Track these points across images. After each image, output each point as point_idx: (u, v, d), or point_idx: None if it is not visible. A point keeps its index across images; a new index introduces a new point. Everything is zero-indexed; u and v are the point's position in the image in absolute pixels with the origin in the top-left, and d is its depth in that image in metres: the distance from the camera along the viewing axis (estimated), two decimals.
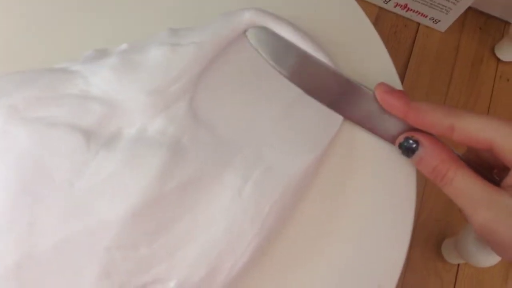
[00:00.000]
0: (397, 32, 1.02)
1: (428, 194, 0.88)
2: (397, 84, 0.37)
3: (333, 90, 0.32)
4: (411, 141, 0.30)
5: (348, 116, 0.32)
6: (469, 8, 1.01)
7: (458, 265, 0.84)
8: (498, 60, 1.03)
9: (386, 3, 1.00)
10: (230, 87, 0.32)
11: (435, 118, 0.29)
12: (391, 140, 0.32)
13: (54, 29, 0.36)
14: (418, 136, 0.30)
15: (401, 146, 0.31)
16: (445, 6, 0.95)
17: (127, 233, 0.26)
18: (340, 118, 0.34)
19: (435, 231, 0.86)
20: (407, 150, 0.30)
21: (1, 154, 0.25)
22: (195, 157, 0.29)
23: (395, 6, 1.00)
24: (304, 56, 0.33)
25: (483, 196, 0.27)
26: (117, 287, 0.26)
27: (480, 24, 1.06)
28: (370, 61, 0.37)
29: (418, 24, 1.03)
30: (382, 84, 0.31)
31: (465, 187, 0.28)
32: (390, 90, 0.31)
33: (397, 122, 0.31)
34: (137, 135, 0.28)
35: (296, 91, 0.34)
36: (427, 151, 0.30)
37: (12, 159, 0.25)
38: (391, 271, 0.33)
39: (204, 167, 0.29)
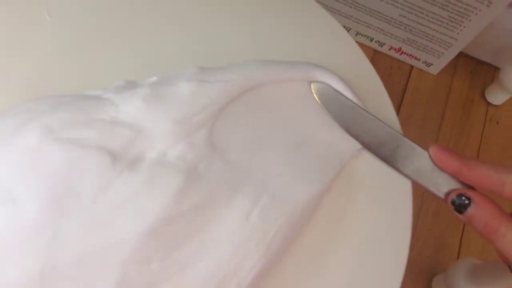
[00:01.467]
0: (391, 74, 1.07)
1: (419, 231, 0.91)
2: (394, 118, 0.40)
3: (388, 146, 0.33)
4: (463, 198, 0.30)
5: (401, 171, 0.33)
6: (461, 53, 1.06)
7: None
8: (488, 103, 1.07)
9: (381, 46, 1.05)
10: (247, 119, 0.35)
11: (486, 174, 0.30)
12: (442, 195, 0.32)
13: (87, 59, 0.39)
14: (470, 193, 0.30)
15: (453, 203, 0.31)
16: (437, 51, 1.00)
17: (142, 249, 0.28)
18: (345, 157, 0.38)
19: (425, 268, 0.87)
20: (460, 207, 0.31)
21: (34, 169, 0.28)
22: (209, 182, 0.31)
23: (389, 49, 1.05)
24: (361, 113, 0.35)
25: None
26: None
27: (471, 69, 1.11)
28: (370, 97, 0.40)
29: (412, 66, 1.08)
30: (435, 144, 0.33)
31: None
32: (445, 148, 0.32)
33: (448, 179, 0.32)
34: (158, 159, 0.30)
35: (307, 130, 0.37)
36: (479, 207, 0.30)
37: (43, 175, 0.28)
38: None
39: (215, 192, 0.31)
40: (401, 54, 1.05)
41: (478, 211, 0.30)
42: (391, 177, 0.38)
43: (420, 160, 0.33)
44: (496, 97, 1.05)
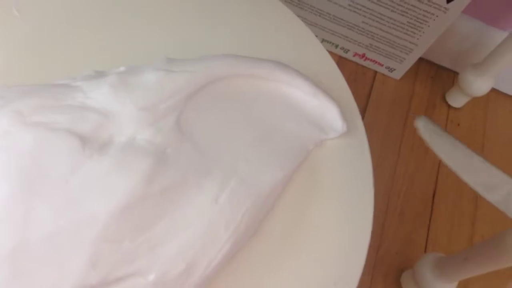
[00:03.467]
0: (356, 79, 1.10)
1: (387, 228, 0.93)
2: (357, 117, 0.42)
3: (500, 191, 0.32)
4: None
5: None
6: (422, 58, 1.11)
7: None
8: (449, 106, 1.11)
9: (346, 53, 1.08)
10: (215, 109, 0.37)
11: None
12: None
13: (56, 53, 0.40)
14: None
15: None
16: (399, 56, 1.04)
17: (112, 228, 0.29)
18: (309, 145, 0.39)
19: (394, 264, 0.90)
20: None
21: (5, 152, 0.28)
22: (177, 165, 0.32)
23: (353, 56, 1.08)
24: (469, 154, 0.35)
25: None
26: (102, 277, 0.29)
27: (432, 74, 1.16)
28: (336, 96, 0.42)
29: (375, 72, 1.11)
30: None
31: None
32: None
33: None
34: (126, 143, 0.31)
35: (273, 120, 0.39)
36: None
37: (13, 157, 0.28)
38: None
39: (185, 175, 0.32)
40: (365, 60, 1.08)
41: None
42: (354, 171, 0.41)
43: None
44: (457, 100, 1.10)
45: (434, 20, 0.91)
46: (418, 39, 0.97)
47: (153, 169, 0.31)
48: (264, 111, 0.39)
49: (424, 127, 0.35)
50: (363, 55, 1.07)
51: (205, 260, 0.32)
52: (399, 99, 1.11)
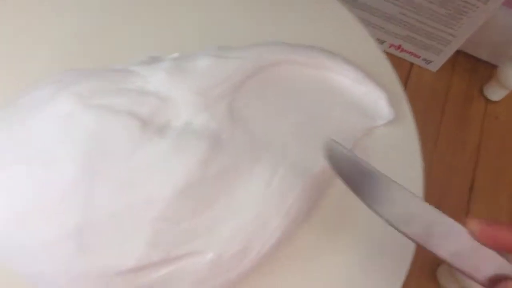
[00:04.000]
0: None
1: None
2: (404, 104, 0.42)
3: (420, 223, 0.27)
4: None
5: (435, 252, 0.27)
6: (459, 51, 1.08)
7: None
8: (487, 99, 1.09)
9: (381, 44, 1.07)
10: (264, 95, 0.37)
11: None
12: (484, 282, 0.26)
13: (108, 39, 0.41)
14: None
15: None
16: (437, 48, 1.02)
17: (171, 209, 0.30)
18: (358, 133, 0.40)
19: (429, 258, 0.89)
20: None
21: (69, 133, 0.30)
22: (231, 150, 0.33)
23: (389, 47, 1.07)
24: (384, 181, 0.28)
25: None
26: (162, 255, 0.30)
27: (469, 66, 1.13)
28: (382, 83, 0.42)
29: (411, 64, 1.10)
30: (475, 219, 0.27)
31: None
32: (492, 222, 0.26)
33: (491, 257, 0.26)
34: (183, 127, 0.32)
35: (321, 107, 0.39)
36: None
37: (77, 138, 0.30)
38: None
39: (238, 159, 0.33)
40: (401, 51, 1.07)
41: None
42: (403, 158, 0.40)
43: (459, 239, 0.27)
44: (495, 93, 1.07)
45: (474, 11, 0.90)
46: (456, 30, 0.95)
47: (209, 153, 0.31)
48: (312, 98, 0.39)
49: (328, 147, 0.30)
50: (399, 47, 1.06)
51: (259, 243, 0.32)
52: (436, 92, 1.09)
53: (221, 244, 0.31)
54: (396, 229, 0.27)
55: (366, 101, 0.41)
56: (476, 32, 0.95)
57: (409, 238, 0.27)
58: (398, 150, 0.41)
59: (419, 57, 1.07)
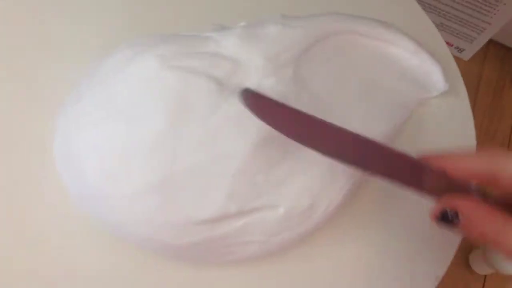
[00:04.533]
0: None
1: None
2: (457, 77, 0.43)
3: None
4: (448, 215, 0.26)
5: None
6: (491, 40, 1.08)
7: (485, 276, 0.88)
8: None
9: None
10: (326, 63, 0.39)
11: (473, 168, 0.26)
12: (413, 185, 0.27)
13: (177, 6, 0.43)
14: (455, 205, 0.26)
15: (438, 222, 0.27)
16: (470, 36, 1.02)
17: (248, 163, 0.32)
18: (412, 103, 0.41)
19: (462, 242, 0.89)
20: (446, 223, 0.26)
21: (154, 91, 0.31)
22: (300, 108, 0.34)
23: None
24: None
25: None
26: (239, 207, 0.31)
27: (501, 56, 1.13)
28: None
29: None
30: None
31: None
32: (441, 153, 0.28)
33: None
34: (256, 88, 0.33)
35: (378, 77, 0.40)
36: (468, 220, 0.25)
37: (163, 95, 0.31)
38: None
39: None
40: None
41: (469, 225, 0.25)
42: (458, 129, 0.41)
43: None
44: None
45: None
46: (492, 17, 0.95)
47: None
48: (370, 67, 0.41)
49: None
50: None
51: (326, 200, 0.34)
52: (467, 80, 1.08)
53: (291, 198, 0.33)
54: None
55: (421, 73, 0.42)
56: (509, 22, 0.95)
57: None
58: (452, 120, 0.42)
59: (452, 45, 1.07)
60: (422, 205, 0.29)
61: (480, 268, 0.85)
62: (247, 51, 0.34)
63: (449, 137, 0.41)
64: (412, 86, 0.41)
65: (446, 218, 0.26)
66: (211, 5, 0.44)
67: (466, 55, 1.08)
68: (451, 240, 0.38)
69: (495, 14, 0.94)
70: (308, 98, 0.36)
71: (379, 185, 0.38)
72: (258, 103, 0.29)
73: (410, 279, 0.36)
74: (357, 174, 0.35)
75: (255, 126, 0.32)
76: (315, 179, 0.33)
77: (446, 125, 0.41)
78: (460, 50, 1.07)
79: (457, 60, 1.11)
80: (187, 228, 0.31)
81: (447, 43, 1.06)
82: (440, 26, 1.03)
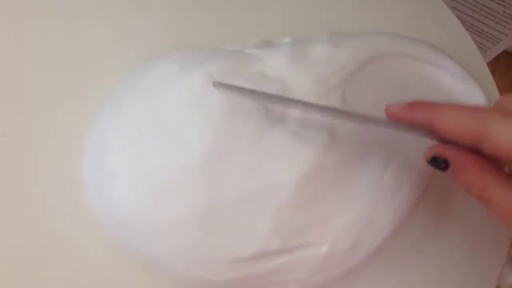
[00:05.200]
0: None
1: None
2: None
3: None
4: (439, 161, 0.27)
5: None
6: (504, 50, 1.07)
7: None
8: None
9: None
10: (374, 86, 0.36)
11: (458, 122, 0.25)
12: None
13: (217, 18, 0.41)
14: (446, 152, 0.26)
15: (430, 164, 0.27)
16: (485, 45, 1.01)
17: (295, 196, 0.29)
18: None
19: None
20: (438, 168, 0.27)
21: (200, 112, 0.29)
22: (346, 141, 0.32)
23: None
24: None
25: None
26: (281, 243, 0.29)
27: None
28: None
29: None
30: (392, 106, 0.29)
31: (506, 204, 0.24)
32: (402, 107, 0.28)
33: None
34: (302, 116, 0.31)
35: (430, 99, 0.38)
36: (458, 170, 0.26)
37: (209, 118, 0.29)
38: None
39: (353, 150, 0.32)
40: None
41: (458, 174, 0.26)
42: None
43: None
44: None
45: None
46: (510, 29, 0.94)
47: (328, 144, 0.31)
48: (416, 91, 0.38)
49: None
50: None
51: (370, 237, 0.32)
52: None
53: (335, 236, 0.31)
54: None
55: (465, 98, 0.40)
56: None
57: None
58: None
59: None
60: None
61: None
62: (295, 73, 0.32)
63: None
64: None
65: (436, 163, 0.27)
66: (249, 14, 0.41)
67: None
68: None
69: None
70: (355, 127, 0.33)
71: (421, 222, 0.36)
72: None
73: None
74: (401, 212, 0.33)
75: (304, 156, 0.30)
76: (360, 216, 0.31)
77: None
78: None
79: None
80: (227, 265, 0.29)
81: None
82: None
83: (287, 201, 0.29)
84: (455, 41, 0.45)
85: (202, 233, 0.28)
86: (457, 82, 0.40)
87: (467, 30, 0.98)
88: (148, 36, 0.38)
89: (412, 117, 0.27)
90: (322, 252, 0.30)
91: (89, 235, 0.32)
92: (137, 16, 0.39)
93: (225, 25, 0.40)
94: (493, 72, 1.11)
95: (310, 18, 0.41)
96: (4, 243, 0.31)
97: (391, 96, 0.37)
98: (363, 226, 0.31)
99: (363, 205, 0.32)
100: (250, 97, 0.29)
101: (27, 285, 0.30)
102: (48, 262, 0.31)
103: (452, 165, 0.26)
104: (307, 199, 0.30)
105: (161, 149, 0.29)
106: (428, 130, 0.26)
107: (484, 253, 0.37)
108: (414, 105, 0.27)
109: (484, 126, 0.24)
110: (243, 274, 0.29)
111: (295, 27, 0.38)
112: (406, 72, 0.38)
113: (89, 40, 0.37)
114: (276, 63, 0.32)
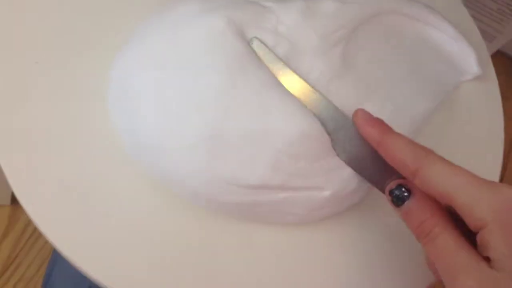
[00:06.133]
0: None
1: None
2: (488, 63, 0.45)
3: (329, 125, 0.33)
4: (403, 189, 0.27)
5: (339, 156, 0.32)
6: (498, 50, 1.10)
7: None
8: None
9: None
10: (374, 41, 0.39)
11: (402, 158, 0.27)
12: (379, 184, 0.31)
13: None
14: (411, 185, 0.27)
15: (391, 193, 0.28)
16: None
17: (293, 146, 0.32)
18: (449, 87, 0.42)
19: None
20: (397, 199, 0.28)
21: (219, 47, 0.33)
22: (344, 90, 0.35)
23: None
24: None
25: (469, 263, 0.23)
26: (280, 182, 0.32)
27: (508, 66, 1.16)
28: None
29: None
30: (360, 110, 0.31)
31: (449, 249, 0.24)
32: (368, 117, 0.30)
33: (388, 167, 0.29)
34: (307, 72, 0.34)
35: (420, 58, 0.41)
36: (418, 203, 0.27)
37: (226, 54, 0.32)
38: None
39: (348, 99, 0.35)
40: None
41: (416, 207, 0.27)
42: (485, 117, 0.42)
43: (361, 141, 0.31)
44: None
45: None
46: (504, 26, 0.98)
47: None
48: (414, 48, 0.41)
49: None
50: None
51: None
52: None
53: (339, 184, 0.33)
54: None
55: (459, 57, 0.43)
56: None
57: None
58: (481, 104, 0.44)
59: None
60: None
61: None
62: (304, 29, 0.35)
63: (478, 119, 0.43)
64: (451, 69, 0.43)
65: (398, 195, 0.28)
66: None
67: None
68: None
69: (508, 23, 0.97)
70: (353, 77, 0.36)
71: None
72: None
73: None
74: None
75: (305, 115, 0.33)
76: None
77: (475, 108, 0.43)
78: None
79: None
80: (231, 188, 0.31)
81: None
82: None
83: (286, 150, 0.32)
84: (450, 8, 0.48)
85: (209, 156, 0.31)
86: (451, 43, 0.43)
87: None
88: None
89: (368, 132, 0.30)
90: (325, 195, 0.33)
91: (112, 159, 0.34)
92: None
93: None
94: None
95: None
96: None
97: (389, 50, 0.40)
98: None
99: None
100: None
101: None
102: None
103: (414, 197, 0.27)
104: (305, 154, 0.32)
105: (180, 75, 0.32)
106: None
107: None
108: (374, 121, 0.30)
109: (420, 162, 0.26)
110: (247, 199, 0.32)
111: None
112: (404, 30, 0.41)
113: None
114: (289, 19, 0.35)
